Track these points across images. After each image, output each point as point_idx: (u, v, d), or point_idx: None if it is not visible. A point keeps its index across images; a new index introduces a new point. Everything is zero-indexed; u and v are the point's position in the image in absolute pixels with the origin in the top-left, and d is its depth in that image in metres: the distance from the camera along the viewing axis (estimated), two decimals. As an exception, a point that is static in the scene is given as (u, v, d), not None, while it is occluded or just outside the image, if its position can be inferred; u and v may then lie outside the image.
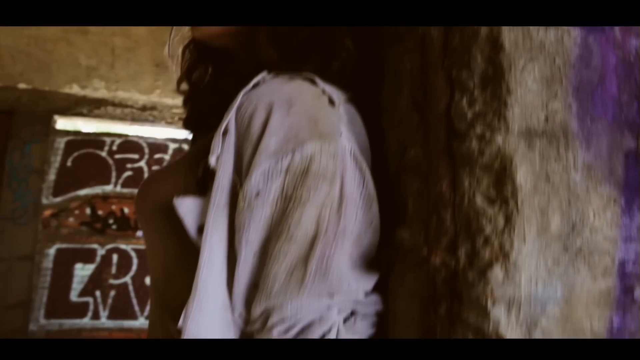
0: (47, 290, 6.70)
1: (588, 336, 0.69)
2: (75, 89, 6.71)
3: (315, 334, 0.72)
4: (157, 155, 7.14)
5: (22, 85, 6.36)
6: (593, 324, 0.69)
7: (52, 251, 6.76)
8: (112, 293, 6.88)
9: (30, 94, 6.70)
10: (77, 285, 6.79)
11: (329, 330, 0.72)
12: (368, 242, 0.79)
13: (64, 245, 6.79)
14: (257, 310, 0.75)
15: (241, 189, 0.76)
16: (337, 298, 0.74)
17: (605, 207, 0.72)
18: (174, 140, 7.23)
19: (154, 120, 7.12)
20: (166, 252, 0.94)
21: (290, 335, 0.73)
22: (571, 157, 0.71)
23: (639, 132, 0.78)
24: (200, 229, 0.79)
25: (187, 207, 0.82)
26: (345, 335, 0.74)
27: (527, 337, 0.65)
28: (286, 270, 0.73)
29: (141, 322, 6.87)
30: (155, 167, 7.12)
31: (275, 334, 0.73)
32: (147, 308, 6.88)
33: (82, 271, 6.82)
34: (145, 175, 7.07)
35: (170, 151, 7.15)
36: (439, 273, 0.70)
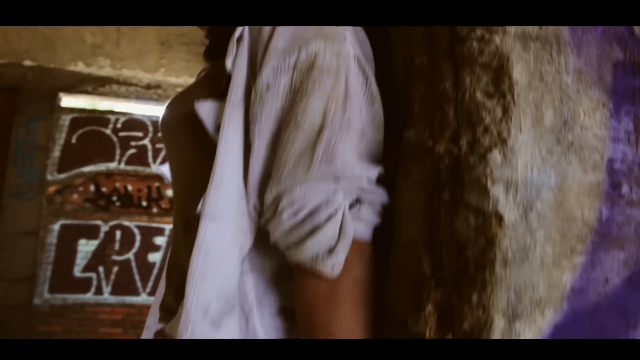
0: (51, 265, 6.78)
1: (579, 224, 0.75)
2: (80, 67, 6.75)
3: (321, 216, 0.78)
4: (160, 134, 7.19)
5: (27, 62, 6.40)
6: (584, 212, 0.75)
7: (56, 227, 6.83)
8: (115, 269, 6.96)
9: (35, 71, 6.75)
10: (80, 261, 6.88)
11: (335, 212, 0.78)
12: (372, 137, 0.85)
13: (68, 221, 6.86)
14: (269, 196, 0.81)
15: (254, 85, 0.83)
16: (342, 183, 0.79)
17: (594, 108, 0.78)
18: (178, 119, 7.28)
19: (158, 99, 7.17)
20: (187, 162, 1.00)
21: (299, 217, 0.79)
22: (563, 61, 0.77)
23: (626, 46, 0.84)
24: (219, 127, 0.85)
25: (206, 109, 0.89)
26: (350, 219, 0.79)
27: (524, 219, 0.71)
28: (294, 156, 0.79)
29: (143, 298, 6.95)
30: (158, 145, 7.18)
31: (285, 216, 0.79)
32: (149, 284, 6.96)
33: (86, 247, 6.89)
34: (149, 153, 7.13)
35: (174, 129, 7.19)
36: (442, 161, 0.76)
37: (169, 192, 7.10)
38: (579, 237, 0.75)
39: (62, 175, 6.90)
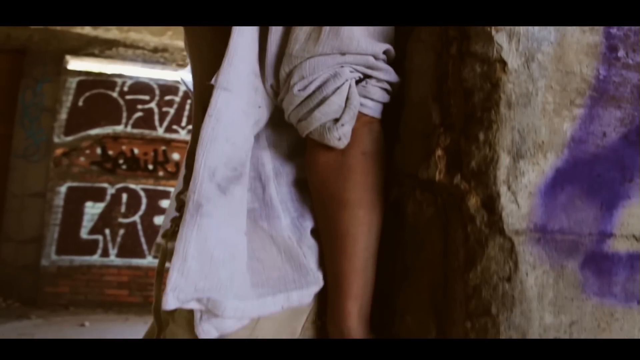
0: (58, 227, 6.86)
1: (578, 79, 0.78)
2: (87, 29, 6.77)
3: (329, 88, 0.81)
4: (167, 97, 7.23)
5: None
6: (582, 69, 0.79)
7: (63, 189, 6.90)
8: (121, 231, 7.04)
9: (41, 33, 6.78)
10: (87, 223, 6.96)
11: (342, 85, 0.82)
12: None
13: (75, 184, 6.93)
14: (283, 73, 0.85)
15: None
16: (348, 57, 0.83)
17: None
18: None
19: (165, 63, 7.19)
20: (207, 47, 1.03)
21: (308, 90, 0.83)
22: None
23: None
24: None
25: None
26: (356, 92, 0.83)
27: (526, 68, 0.75)
28: (306, 32, 0.83)
29: (149, 261, 7.04)
30: (165, 109, 7.21)
31: (296, 90, 0.83)
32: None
33: (92, 209, 6.97)
34: (156, 116, 7.17)
35: (180, 93, 7.23)
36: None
37: (175, 156, 7.16)
38: (577, 90, 0.78)
39: (69, 138, 6.95)
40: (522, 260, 0.68)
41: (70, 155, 6.95)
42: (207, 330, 0.81)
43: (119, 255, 7.03)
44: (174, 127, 7.16)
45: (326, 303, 0.87)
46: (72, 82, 7.01)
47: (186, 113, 7.20)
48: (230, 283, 0.81)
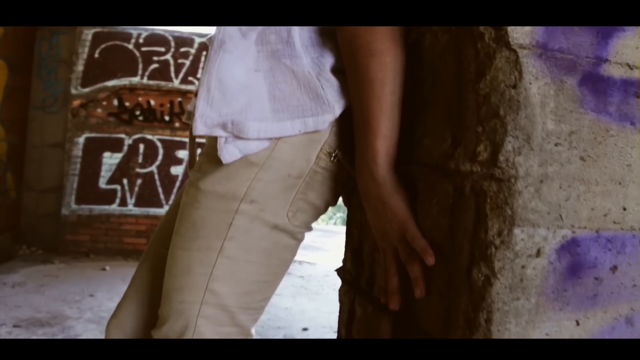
0: (77, 177, 7.01)
1: None
2: (101, -19, 6.80)
3: None
4: (182, 49, 7.29)
5: (49, -23, 6.44)
6: None
7: (81, 140, 7.03)
8: (139, 181, 7.19)
9: (58, -15, 6.82)
10: (105, 173, 7.10)
11: None
12: None
13: (93, 135, 7.06)
14: None
15: None
16: None
17: None
18: (200, 35, 7.37)
19: (179, 14, 7.22)
20: None
21: None
22: None
23: None
24: None
25: None
26: None
27: None
28: None
29: (166, 210, 7.17)
30: (180, 61, 7.27)
31: None
32: (172, 197, 7.18)
33: (110, 160, 7.10)
34: (172, 68, 7.24)
35: (196, 45, 7.29)
36: None
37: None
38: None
39: (86, 90, 7.05)
40: (526, 71, 0.78)
41: (88, 106, 7.06)
42: (231, 151, 0.91)
43: (136, 204, 7.19)
44: (190, 78, 7.24)
45: (340, 138, 0.97)
46: (88, 34, 7.08)
47: (201, 65, 7.26)
48: (249, 107, 0.92)
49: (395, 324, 0.89)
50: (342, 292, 1.19)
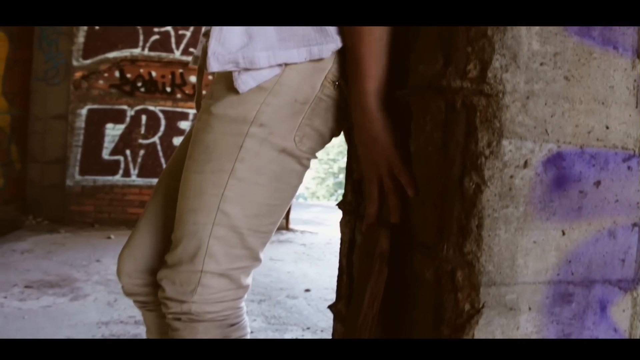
0: (80, 149, 7.07)
1: None
2: (101, -49, 6.78)
3: None
4: (182, 19, 7.28)
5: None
6: None
7: (84, 111, 7.07)
8: (142, 152, 7.24)
9: (57, -45, 6.80)
10: (108, 145, 7.15)
11: None
12: None
13: (95, 106, 7.09)
14: None
15: None
16: None
17: None
18: (199, 5, 7.34)
19: (178, -16, 7.21)
20: None
21: None
22: None
23: None
24: None
25: None
26: None
27: None
28: None
29: (170, 181, 7.23)
30: (181, 32, 7.28)
31: None
32: (175, 167, 7.22)
33: (113, 131, 7.15)
34: (172, 39, 7.25)
35: (195, 14, 7.27)
36: None
37: (192, 78, 7.27)
38: None
39: (88, 61, 7.07)
40: (513, -7, 0.83)
41: (90, 78, 7.08)
42: (245, 80, 0.98)
43: (140, 175, 7.26)
44: (191, 49, 7.25)
45: (342, 68, 1.03)
46: (89, 5, 7.07)
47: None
48: (257, 40, 0.98)
49: (392, 237, 0.95)
50: (342, 223, 1.25)
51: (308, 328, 3.25)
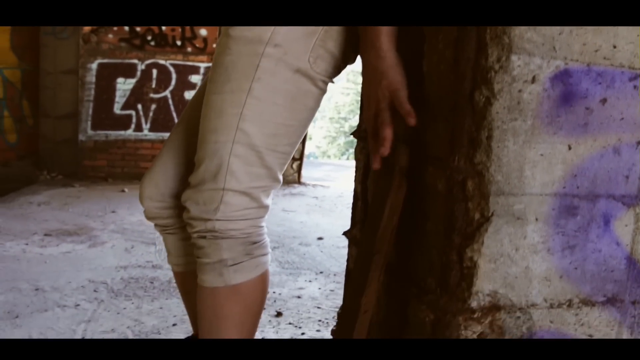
0: (92, 103, 7.10)
1: None
2: None
3: None
4: (190, -29, 7.21)
5: None
6: None
7: (94, 66, 7.08)
8: (153, 106, 7.27)
9: None
10: (119, 99, 7.18)
11: None
12: None
13: (105, 60, 7.10)
14: None
15: None
16: None
17: None
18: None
19: None
20: None
21: None
22: None
23: None
24: None
25: None
26: None
27: None
28: None
29: (181, 135, 7.28)
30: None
31: None
32: (186, 121, 7.26)
33: (124, 85, 7.17)
34: (180, -9, 7.19)
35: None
36: None
37: (203, 32, 7.25)
38: None
39: (96, 15, 7.04)
40: None
41: (99, 32, 7.06)
42: None
43: (151, 129, 7.30)
44: (200, 2, 7.20)
45: None
46: (96, -42, 7.01)
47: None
48: None
49: (410, 153, 1.00)
50: (357, 150, 1.30)
51: (321, 272, 3.33)
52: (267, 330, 2.36)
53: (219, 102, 1.06)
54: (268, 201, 1.14)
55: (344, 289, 1.21)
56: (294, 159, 7.52)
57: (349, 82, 30.31)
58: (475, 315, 0.92)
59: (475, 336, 0.93)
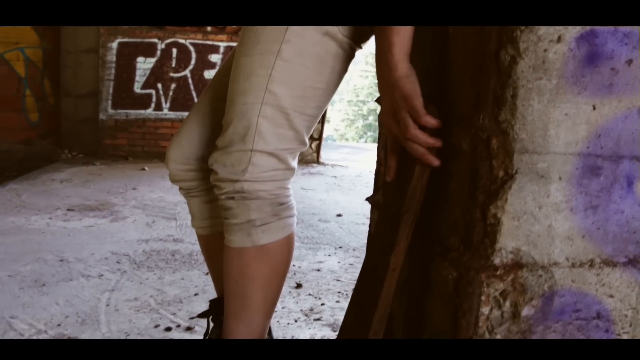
0: (112, 82, 7.17)
1: None
2: None
3: None
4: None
5: None
6: None
7: (114, 45, 7.13)
8: (173, 86, 7.32)
9: None
10: (139, 78, 7.24)
11: None
12: None
13: (125, 39, 7.14)
14: None
15: None
16: None
17: None
18: None
19: None
20: None
21: None
22: None
23: None
24: None
25: None
26: None
27: None
28: None
29: (200, 114, 7.32)
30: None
31: None
32: (206, 100, 7.30)
33: (144, 65, 7.22)
34: (199, -30, 7.19)
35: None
36: None
37: (220, 11, 7.25)
38: None
39: (117, -6, 7.07)
40: None
41: (119, 11, 7.10)
42: None
43: (171, 109, 7.36)
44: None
45: None
46: (116, -63, 7.03)
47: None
48: None
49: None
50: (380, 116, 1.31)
51: (340, 247, 3.36)
52: (288, 300, 2.40)
53: (248, 64, 1.08)
54: (294, 163, 1.16)
55: (366, 251, 1.23)
56: (312, 139, 7.53)
57: (368, 65, 30.16)
58: (498, 273, 0.93)
59: (497, 294, 0.95)
